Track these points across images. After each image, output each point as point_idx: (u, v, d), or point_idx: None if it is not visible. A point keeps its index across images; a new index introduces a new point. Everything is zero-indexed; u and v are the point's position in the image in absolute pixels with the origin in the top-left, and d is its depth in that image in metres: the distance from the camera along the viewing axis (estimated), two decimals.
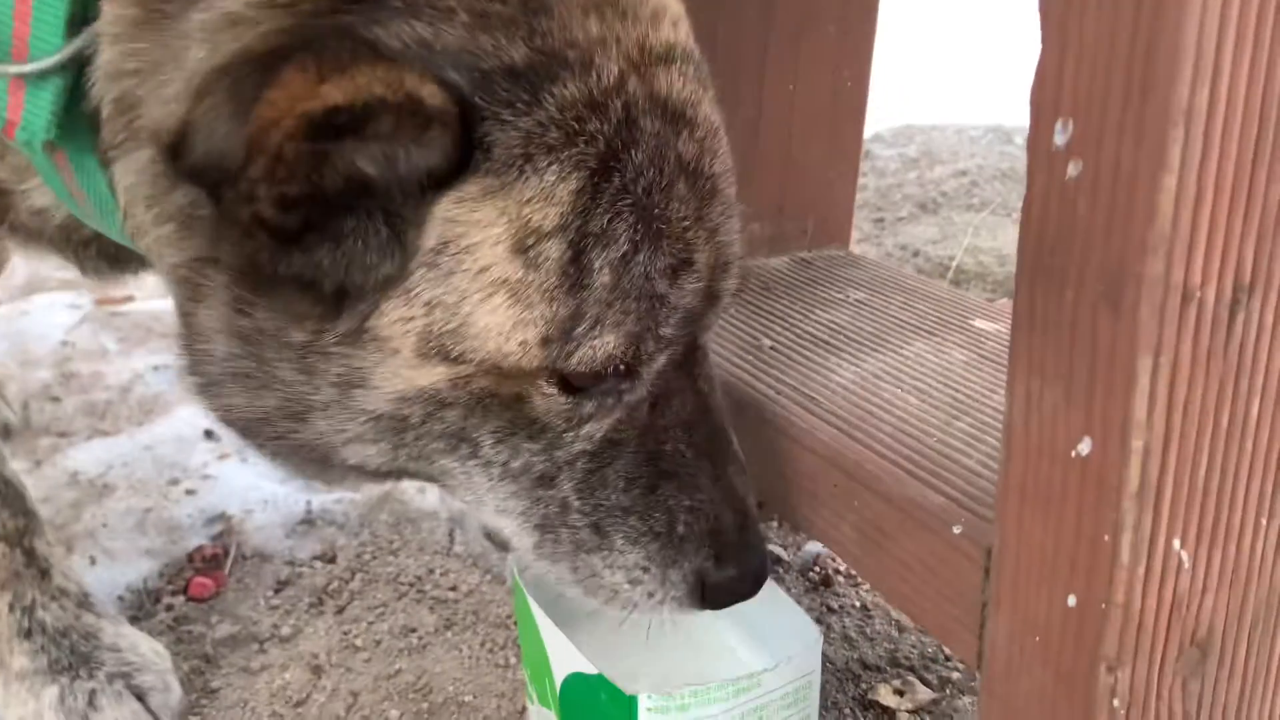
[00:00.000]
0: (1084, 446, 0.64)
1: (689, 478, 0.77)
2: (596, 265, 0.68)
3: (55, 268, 2.11)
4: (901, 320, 1.13)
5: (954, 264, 2.04)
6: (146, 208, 0.75)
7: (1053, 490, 0.67)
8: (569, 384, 0.72)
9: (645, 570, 0.77)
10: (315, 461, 0.78)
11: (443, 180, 0.66)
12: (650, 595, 0.78)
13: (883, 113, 2.20)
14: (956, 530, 0.76)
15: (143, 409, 1.66)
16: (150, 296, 1.96)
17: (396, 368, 0.70)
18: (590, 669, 0.86)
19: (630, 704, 0.82)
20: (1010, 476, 0.70)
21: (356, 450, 0.75)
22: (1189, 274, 0.58)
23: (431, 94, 0.61)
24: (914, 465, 0.84)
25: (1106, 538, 0.64)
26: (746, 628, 0.96)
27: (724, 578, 0.77)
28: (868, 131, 1.41)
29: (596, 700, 0.86)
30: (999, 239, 2.14)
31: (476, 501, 0.79)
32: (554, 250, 0.67)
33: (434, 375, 0.70)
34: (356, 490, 1.45)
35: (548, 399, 0.72)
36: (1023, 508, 0.69)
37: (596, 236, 0.68)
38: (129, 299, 1.99)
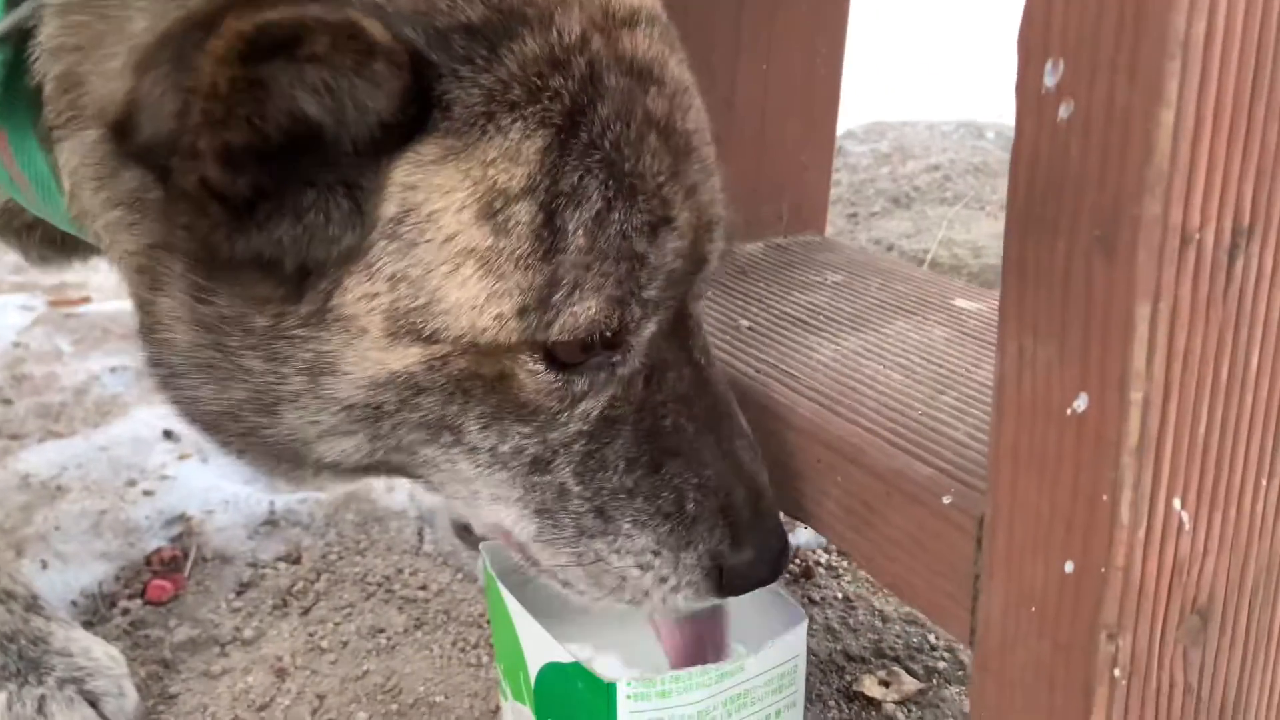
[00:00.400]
0: (1080, 403, 0.61)
1: (694, 453, 0.73)
2: (570, 226, 0.65)
3: (9, 270, 2.05)
4: (881, 300, 1.11)
5: (928, 257, 2.03)
6: (94, 191, 0.71)
7: (1048, 451, 0.64)
8: (555, 359, 0.68)
9: (656, 554, 0.73)
10: (287, 460, 0.74)
11: (398, 137, 0.63)
12: (663, 581, 0.74)
13: (854, 109, 2.19)
14: (946, 500, 0.73)
15: (99, 410, 1.60)
16: (108, 298, 1.91)
17: (365, 350, 0.66)
18: (566, 658, 0.82)
19: (609, 692, 0.78)
20: (1002, 439, 0.67)
21: (332, 445, 0.71)
22: (1187, 215, 0.55)
23: (375, 28, 0.58)
24: (900, 438, 0.81)
25: (1105, 498, 0.61)
26: (729, 612, 0.92)
27: (741, 561, 0.73)
28: (839, 128, 1.39)
29: (573, 690, 0.82)
30: (973, 232, 2.13)
31: (470, 495, 0.75)
32: (524, 213, 0.64)
33: (407, 357, 0.66)
34: (324, 490, 1.40)
35: (535, 377, 0.68)
36: (1016, 472, 0.66)
37: (568, 196, 0.65)
38: (85, 300, 1.93)
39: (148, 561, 1.29)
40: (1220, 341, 0.59)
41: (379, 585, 1.28)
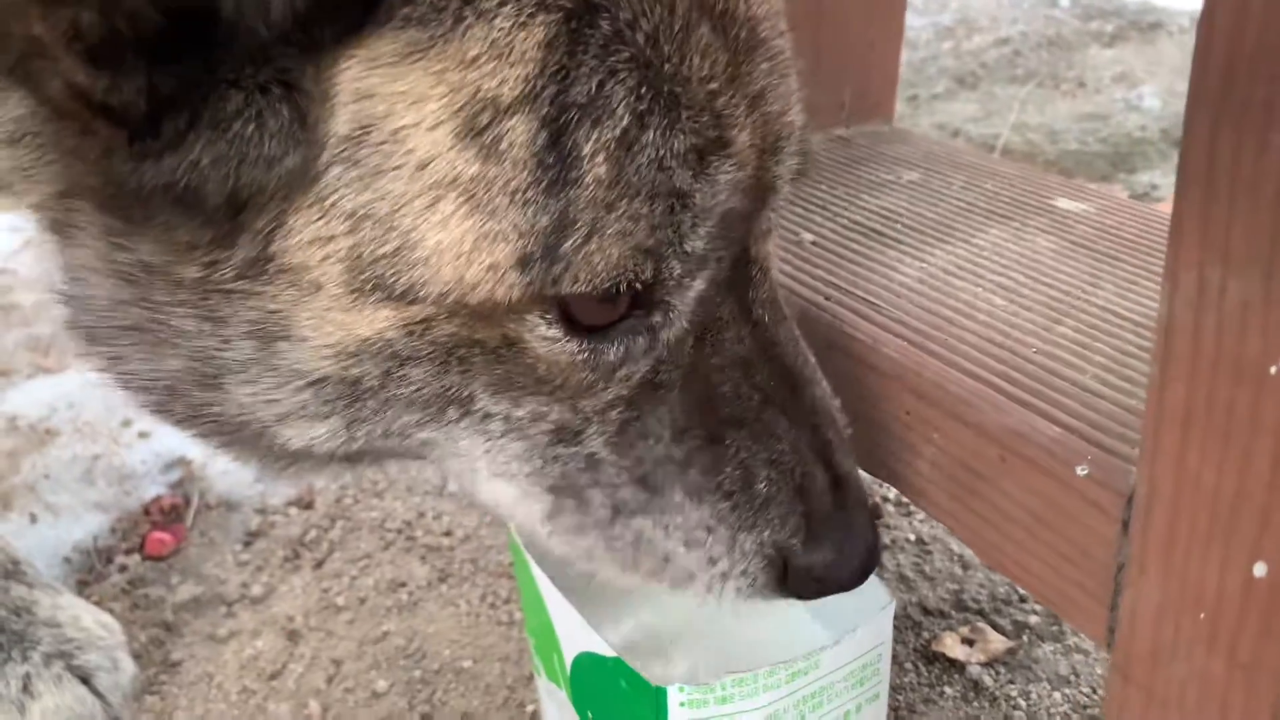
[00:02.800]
0: None
1: (763, 425, 0.58)
2: (586, 150, 0.48)
3: None
4: (968, 203, 0.93)
5: (1000, 143, 1.81)
6: None
7: (1237, 418, 0.48)
8: (575, 322, 0.53)
9: (709, 531, 0.58)
10: (248, 444, 0.60)
11: (341, 22, 0.46)
12: (712, 563, 0.59)
13: None
14: (1081, 471, 0.58)
15: None
16: None
17: (323, 310, 0.52)
18: (607, 651, 0.69)
19: (658, 697, 0.65)
20: (1167, 399, 0.51)
21: (298, 430, 0.57)
22: None
23: None
24: (1012, 385, 0.65)
25: None
26: None
27: (815, 562, 0.58)
28: None
29: (616, 688, 0.69)
30: (1048, 114, 1.91)
31: (469, 470, 0.60)
32: (520, 131, 0.48)
33: (378, 320, 0.52)
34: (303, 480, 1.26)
35: (552, 345, 0.53)
36: (1186, 442, 0.51)
37: (582, 109, 0.48)
38: None
39: (146, 511, 1.18)
40: None
41: (398, 532, 1.17)
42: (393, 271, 0.50)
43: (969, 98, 2.06)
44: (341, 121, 0.48)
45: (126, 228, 0.51)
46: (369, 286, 0.50)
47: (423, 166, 0.48)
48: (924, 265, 0.81)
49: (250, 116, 0.47)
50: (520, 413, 0.56)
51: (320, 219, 0.49)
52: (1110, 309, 0.73)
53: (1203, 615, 0.52)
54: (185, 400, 0.57)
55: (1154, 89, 1.86)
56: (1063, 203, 0.93)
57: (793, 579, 0.59)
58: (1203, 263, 0.48)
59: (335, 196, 0.49)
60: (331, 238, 0.49)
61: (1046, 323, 0.72)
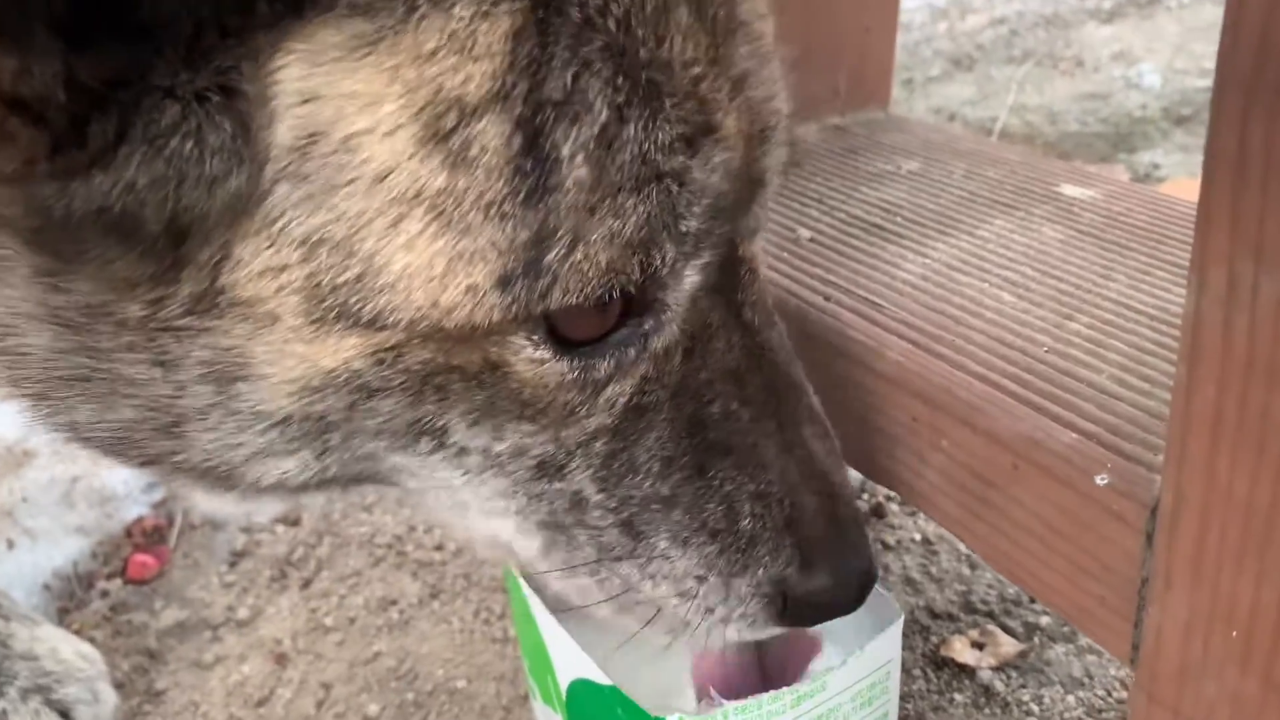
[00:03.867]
0: None
1: (749, 450, 0.55)
2: (565, 152, 0.44)
3: None
4: (970, 193, 0.89)
5: (997, 126, 1.77)
6: None
7: (1271, 424, 0.44)
8: (563, 338, 0.49)
9: (701, 580, 0.56)
10: (218, 484, 0.55)
11: (277, 5, 0.41)
12: (710, 612, 0.57)
13: None
14: (1100, 481, 0.54)
15: None
16: None
17: (281, 344, 0.47)
18: (603, 679, 0.65)
19: None
20: (1194, 404, 0.47)
21: (267, 467, 0.53)
22: None
23: None
24: (1024, 388, 0.61)
25: None
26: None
27: (813, 588, 0.56)
28: None
29: (612, 715, 0.66)
30: (1046, 94, 1.86)
31: (454, 505, 0.57)
32: (491, 135, 0.43)
33: (343, 351, 0.47)
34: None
35: (539, 367, 0.49)
36: (1216, 450, 0.47)
37: (558, 106, 0.44)
38: None
39: (128, 533, 1.15)
40: None
41: (388, 548, 1.13)
42: (357, 299, 0.45)
43: (965, 80, 2.01)
44: (284, 130, 0.43)
45: (58, 265, 0.47)
46: (331, 315, 0.46)
47: (381, 179, 0.43)
48: (927, 260, 0.78)
49: (189, 131, 0.42)
50: (501, 447, 0.52)
51: (270, 247, 0.44)
52: (1124, 302, 0.70)
53: (1235, 633, 0.49)
54: (142, 450, 0.53)
55: (1153, 66, 1.82)
56: (1068, 189, 0.89)
57: (792, 609, 0.56)
58: (1233, 257, 0.44)
59: (284, 220, 0.44)
60: (284, 267, 0.45)
61: (1058, 319, 0.68)
